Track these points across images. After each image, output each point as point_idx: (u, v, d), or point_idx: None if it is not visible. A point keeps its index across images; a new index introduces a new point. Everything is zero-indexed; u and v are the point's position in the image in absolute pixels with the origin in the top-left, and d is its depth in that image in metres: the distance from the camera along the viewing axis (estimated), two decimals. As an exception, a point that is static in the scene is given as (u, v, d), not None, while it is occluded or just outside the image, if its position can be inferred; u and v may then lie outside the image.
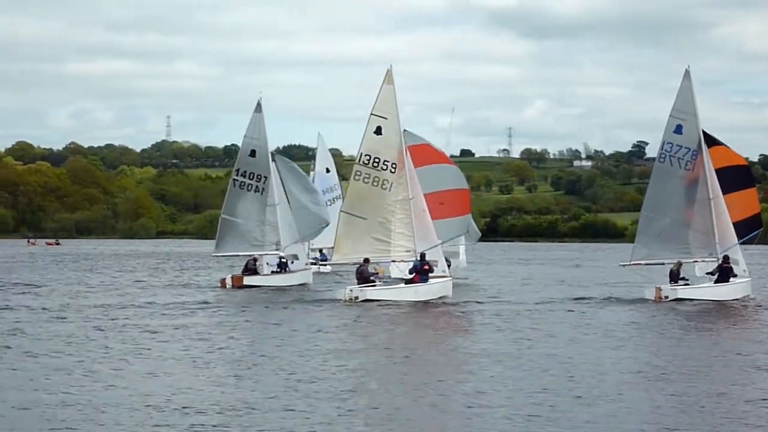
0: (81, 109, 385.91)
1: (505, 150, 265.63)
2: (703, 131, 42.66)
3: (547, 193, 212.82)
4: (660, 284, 42.25)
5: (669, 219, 42.73)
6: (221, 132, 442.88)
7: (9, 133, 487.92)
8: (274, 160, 54.78)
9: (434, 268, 42.88)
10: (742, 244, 42.77)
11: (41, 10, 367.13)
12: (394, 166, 43.11)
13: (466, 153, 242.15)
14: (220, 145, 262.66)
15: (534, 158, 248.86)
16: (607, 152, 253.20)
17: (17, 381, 22.46)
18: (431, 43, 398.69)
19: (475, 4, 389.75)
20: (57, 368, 24.05)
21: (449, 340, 30.68)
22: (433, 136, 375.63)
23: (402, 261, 43.57)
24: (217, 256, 57.84)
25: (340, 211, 44.49)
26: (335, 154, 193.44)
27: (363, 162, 43.24)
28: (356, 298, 40.68)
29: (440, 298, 42.28)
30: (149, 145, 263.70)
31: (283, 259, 52.88)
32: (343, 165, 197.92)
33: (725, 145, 43.46)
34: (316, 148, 74.00)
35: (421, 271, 42.00)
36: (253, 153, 53.56)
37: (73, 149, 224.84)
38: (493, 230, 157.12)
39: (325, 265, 62.18)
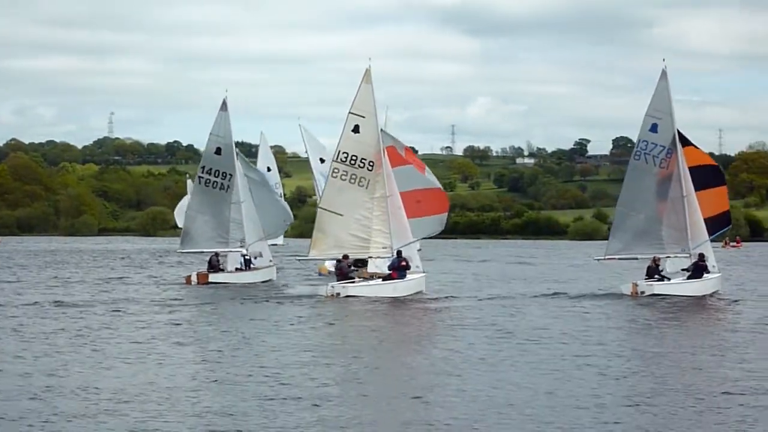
0: (22, 106, 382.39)
1: (448, 147, 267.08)
2: (678, 131, 43.76)
3: (489, 190, 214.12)
4: (636, 280, 43.38)
5: (643, 215, 43.79)
6: (164, 129, 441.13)
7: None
8: (238, 158, 55.24)
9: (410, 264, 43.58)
10: (712, 241, 43.92)
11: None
12: (371, 164, 43.91)
13: (412, 150, 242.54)
14: (163, 141, 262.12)
15: (477, 156, 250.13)
16: (550, 150, 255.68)
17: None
18: (379, 40, 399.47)
19: (421, 3, 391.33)
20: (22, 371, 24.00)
21: (435, 336, 31.27)
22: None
23: (378, 257, 44.25)
24: (183, 252, 58.64)
25: (318, 207, 45.11)
26: (278, 151, 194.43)
27: (341, 159, 43.94)
28: (338, 294, 41.32)
29: (416, 293, 43.22)
30: (91, 142, 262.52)
31: (246, 256, 53.22)
32: (287, 162, 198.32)
33: (695, 146, 44.53)
34: (258, 145, 74.40)
35: (399, 268, 42.88)
36: (218, 151, 54.02)
37: (14, 146, 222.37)
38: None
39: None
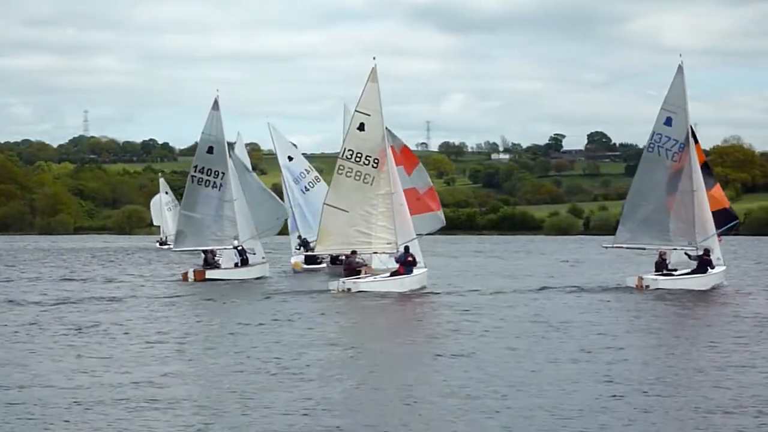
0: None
1: (423, 143, 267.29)
2: (690, 126, 44.39)
3: (465, 186, 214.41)
4: (642, 273, 44.24)
5: (652, 206, 44.69)
6: (139, 127, 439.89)
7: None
8: (231, 156, 55.58)
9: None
10: (720, 234, 44.86)
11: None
12: (376, 161, 44.60)
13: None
14: (138, 140, 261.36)
15: (452, 151, 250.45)
16: (525, 145, 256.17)
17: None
18: (352, 38, 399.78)
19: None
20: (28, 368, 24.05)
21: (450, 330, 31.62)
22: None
23: (384, 253, 44.96)
24: (178, 251, 58.96)
25: (324, 203, 45.78)
26: (254, 148, 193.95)
27: (346, 157, 44.66)
28: (348, 289, 41.94)
29: (420, 288, 43.98)
30: (67, 141, 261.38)
31: (239, 248, 53.33)
32: (262, 159, 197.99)
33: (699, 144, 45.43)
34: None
35: (406, 263, 43.60)
36: (210, 149, 54.47)
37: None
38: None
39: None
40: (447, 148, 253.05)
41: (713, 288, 43.79)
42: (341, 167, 44.62)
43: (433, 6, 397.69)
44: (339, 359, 25.25)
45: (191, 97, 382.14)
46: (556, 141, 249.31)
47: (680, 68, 44.97)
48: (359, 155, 44.42)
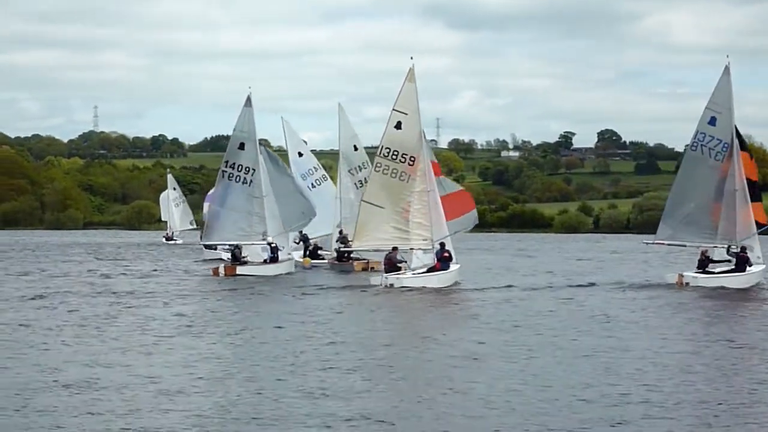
0: (8, 99, 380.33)
1: (433, 140, 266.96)
2: (735, 127, 44.66)
3: (474, 183, 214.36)
4: (683, 271, 44.90)
5: (694, 204, 45.05)
6: (149, 123, 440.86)
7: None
8: (262, 153, 55.76)
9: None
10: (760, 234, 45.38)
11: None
12: (412, 159, 45.33)
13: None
14: (148, 135, 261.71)
15: (462, 149, 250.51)
16: (535, 143, 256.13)
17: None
18: (359, 34, 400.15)
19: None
20: (67, 359, 24.34)
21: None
22: (363, 126, 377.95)
23: (420, 249, 45.49)
24: (206, 244, 59.42)
25: (361, 200, 46.57)
26: (263, 145, 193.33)
27: (383, 154, 45.43)
28: (391, 285, 42.76)
29: (455, 284, 44.79)
30: (77, 136, 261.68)
31: (272, 244, 53.56)
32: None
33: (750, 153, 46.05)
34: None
35: (442, 259, 44.39)
36: (242, 146, 54.82)
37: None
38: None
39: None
40: (456, 146, 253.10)
41: (754, 286, 44.11)
42: (378, 165, 45.40)
43: (442, 3, 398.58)
44: (410, 351, 25.48)
45: (201, 92, 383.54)
46: (566, 138, 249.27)
47: (727, 69, 45.19)
48: (395, 153, 45.14)
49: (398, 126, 45.10)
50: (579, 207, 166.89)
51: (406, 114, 45.13)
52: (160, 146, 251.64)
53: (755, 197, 45.42)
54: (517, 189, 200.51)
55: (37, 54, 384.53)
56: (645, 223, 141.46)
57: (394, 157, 45.09)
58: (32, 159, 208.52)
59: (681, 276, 43.93)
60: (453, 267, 44.94)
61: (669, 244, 46.59)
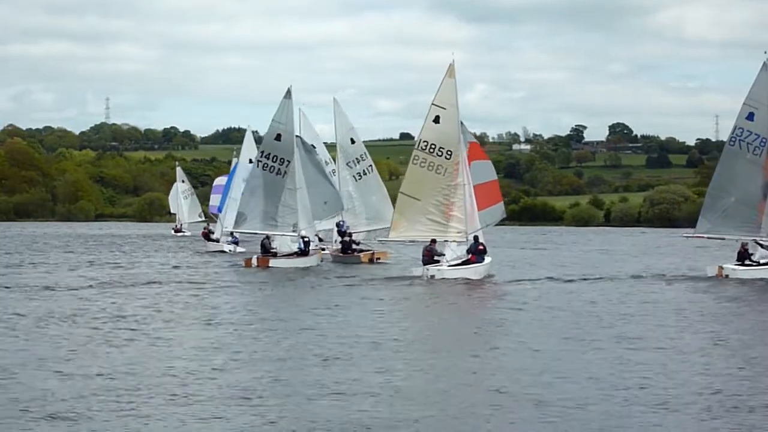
0: (20, 91, 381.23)
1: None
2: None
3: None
4: (723, 263, 45.60)
5: (733, 198, 45.70)
6: (161, 115, 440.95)
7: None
8: (298, 145, 56.00)
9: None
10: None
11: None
12: (449, 153, 46.01)
13: (405, 137, 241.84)
14: (160, 127, 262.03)
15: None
16: (546, 136, 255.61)
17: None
18: (373, 27, 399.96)
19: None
20: (106, 346, 24.70)
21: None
22: (375, 119, 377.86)
23: (454, 241, 46.02)
24: (236, 232, 59.97)
25: (399, 192, 47.16)
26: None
27: (421, 148, 46.23)
28: (432, 276, 43.44)
29: (489, 276, 45.45)
30: (88, 128, 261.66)
31: (305, 239, 53.75)
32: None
33: None
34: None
35: (477, 252, 45.01)
36: (278, 137, 55.29)
37: (11, 131, 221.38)
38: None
39: (237, 245, 68.55)
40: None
41: None
42: (416, 158, 46.07)
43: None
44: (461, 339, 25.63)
45: (213, 85, 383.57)
46: (578, 132, 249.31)
47: (765, 65, 45.59)
48: (433, 146, 45.85)
49: (437, 120, 45.82)
50: (590, 200, 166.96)
51: (444, 109, 45.88)
52: (172, 138, 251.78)
53: None
54: (528, 182, 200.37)
55: (49, 46, 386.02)
56: (656, 217, 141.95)
57: (431, 150, 45.78)
58: (44, 151, 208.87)
59: (721, 268, 44.67)
60: (486, 259, 45.52)
61: (708, 238, 47.07)
